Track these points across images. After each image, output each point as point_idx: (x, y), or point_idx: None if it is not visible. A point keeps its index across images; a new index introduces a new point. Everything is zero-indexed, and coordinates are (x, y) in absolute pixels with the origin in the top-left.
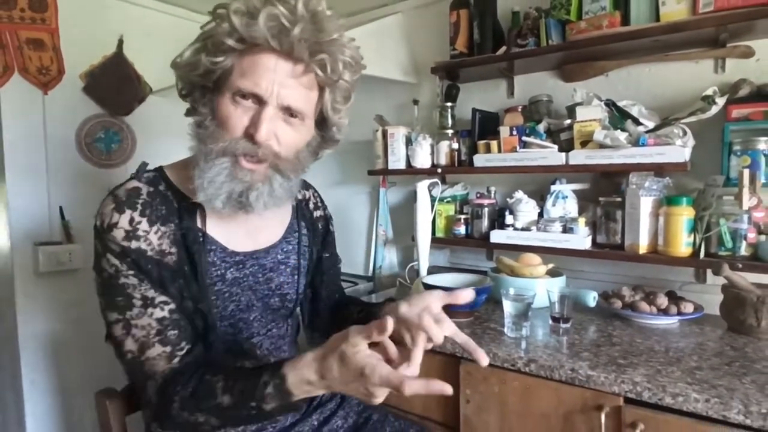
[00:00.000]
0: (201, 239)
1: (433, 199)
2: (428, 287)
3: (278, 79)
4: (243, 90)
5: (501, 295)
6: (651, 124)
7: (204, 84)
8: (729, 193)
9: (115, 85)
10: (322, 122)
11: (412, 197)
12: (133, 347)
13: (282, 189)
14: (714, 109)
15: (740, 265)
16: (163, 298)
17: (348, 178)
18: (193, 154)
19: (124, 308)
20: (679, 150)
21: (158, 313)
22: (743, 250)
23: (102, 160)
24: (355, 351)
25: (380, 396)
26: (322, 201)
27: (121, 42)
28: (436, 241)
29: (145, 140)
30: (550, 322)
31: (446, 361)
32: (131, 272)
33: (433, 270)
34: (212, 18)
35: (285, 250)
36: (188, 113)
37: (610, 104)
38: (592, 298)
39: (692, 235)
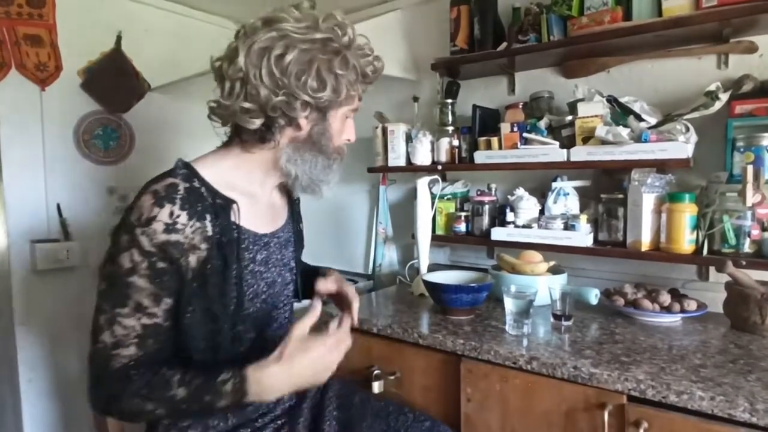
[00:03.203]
0: (236, 232)
1: (433, 197)
2: (429, 285)
3: None
4: None
5: (502, 292)
6: (653, 121)
7: None
8: (732, 190)
9: (114, 81)
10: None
11: (412, 195)
12: (108, 340)
13: None
14: (717, 105)
15: (744, 262)
16: (154, 309)
17: (347, 176)
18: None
19: (117, 305)
20: (682, 146)
21: (146, 320)
22: (747, 247)
23: (100, 157)
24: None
25: (336, 359)
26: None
27: (119, 38)
28: (436, 239)
29: (144, 137)
30: (552, 319)
31: (446, 359)
32: (147, 272)
33: (433, 268)
34: None
35: (287, 229)
36: None
37: (612, 100)
38: (594, 296)
39: (695, 232)
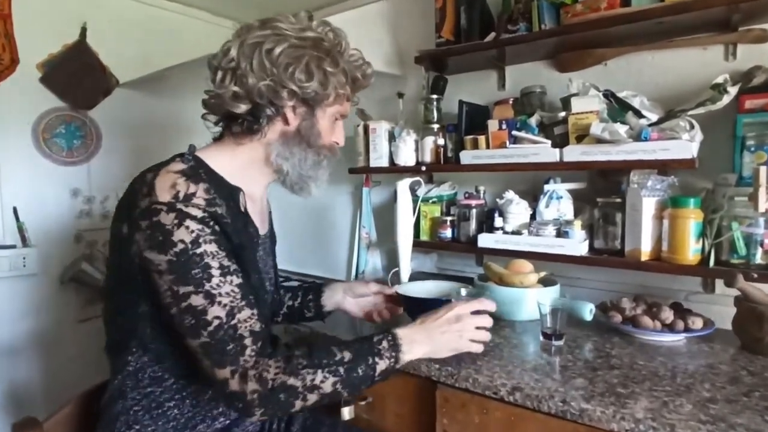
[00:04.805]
0: (248, 219)
1: (415, 200)
2: (405, 299)
3: None
4: None
5: None
6: (654, 117)
7: None
8: (742, 194)
9: (77, 76)
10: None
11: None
12: (221, 313)
13: None
14: (725, 100)
15: (755, 275)
16: (235, 266)
17: (329, 177)
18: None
19: (202, 280)
20: (686, 145)
21: (236, 280)
22: (759, 258)
23: (63, 157)
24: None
25: (464, 329)
26: None
27: (84, 30)
28: (420, 245)
29: (112, 136)
30: (541, 338)
31: (421, 385)
32: (212, 237)
33: (417, 276)
34: None
35: (269, 237)
36: None
37: (609, 95)
38: (588, 311)
39: (700, 241)
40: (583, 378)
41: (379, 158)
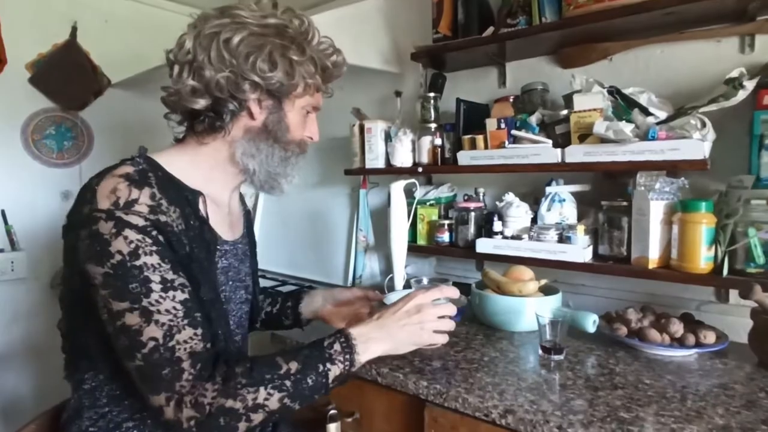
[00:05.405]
0: (206, 227)
1: (410, 203)
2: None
3: None
4: None
5: (486, 315)
6: (663, 115)
7: None
8: (759, 197)
9: (68, 76)
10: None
11: None
12: (157, 334)
13: None
14: (740, 95)
15: None
16: (181, 280)
17: (326, 179)
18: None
19: (140, 295)
20: (697, 145)
21: (180, 295)
22: None
23: (53, 159)
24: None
25: (425, 320)
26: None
27: (74, 29)
28: (417, 250)
29: (104, 137)
30: (540, 352)
31: (409, 403)
32: (154, 248)
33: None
34: None
35: (244, 242)
36: None
37: (614, 92)
38: (591, 323)
39: (713, 248)
40: (582, 399)
41: (375, 159)
